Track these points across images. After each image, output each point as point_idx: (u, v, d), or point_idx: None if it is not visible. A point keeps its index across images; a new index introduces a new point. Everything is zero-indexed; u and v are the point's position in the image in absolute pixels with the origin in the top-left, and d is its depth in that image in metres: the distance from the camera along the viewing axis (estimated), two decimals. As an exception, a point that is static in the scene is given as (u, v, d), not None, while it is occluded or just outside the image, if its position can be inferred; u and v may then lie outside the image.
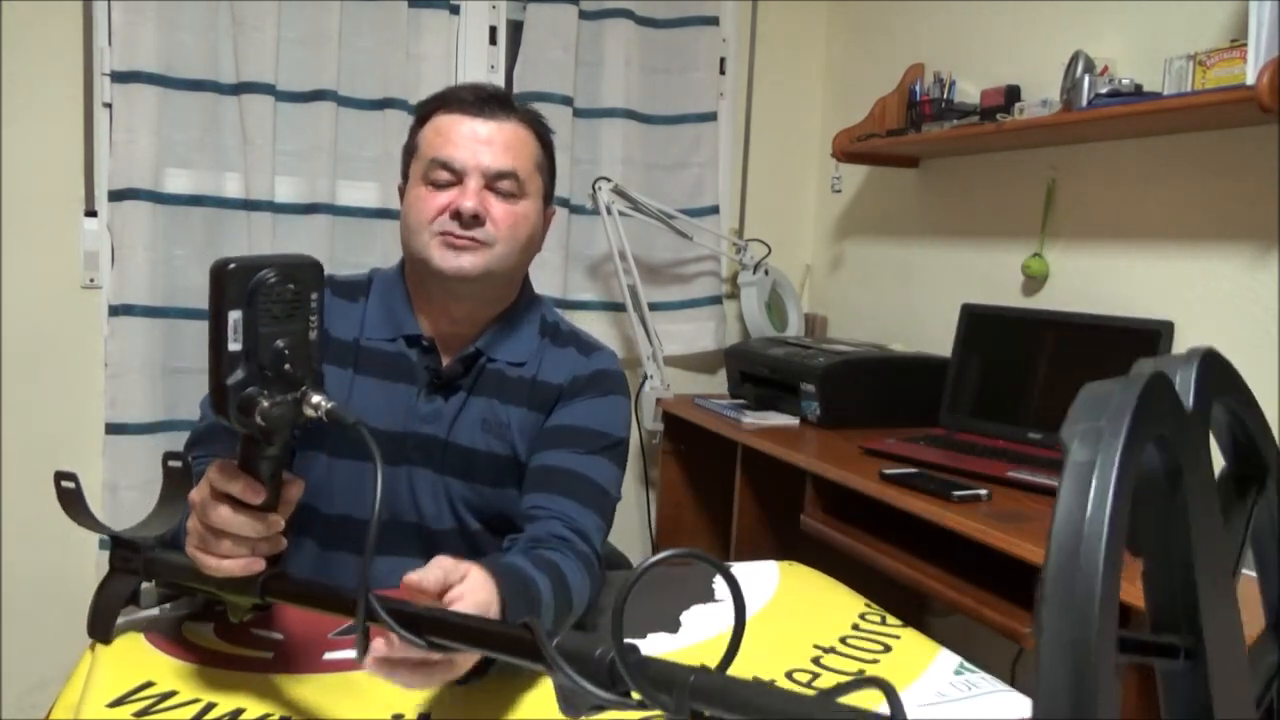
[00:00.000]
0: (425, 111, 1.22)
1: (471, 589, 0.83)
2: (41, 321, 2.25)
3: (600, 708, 0.57)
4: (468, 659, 0.79)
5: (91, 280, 2.28)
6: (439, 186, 1.16)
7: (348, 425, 0.76)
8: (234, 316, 0.73)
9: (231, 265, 0.73)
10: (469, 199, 1.14)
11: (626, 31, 2.63)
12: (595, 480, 1.17)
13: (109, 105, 2.23)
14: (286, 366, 0.75)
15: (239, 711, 0.85)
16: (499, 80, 2.63)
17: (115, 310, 2.24)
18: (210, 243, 2.31)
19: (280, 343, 0.75)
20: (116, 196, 2.23)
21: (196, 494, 0.82)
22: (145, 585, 0.99)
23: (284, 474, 0.83)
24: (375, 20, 2.40)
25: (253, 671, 0.93)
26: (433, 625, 0.72)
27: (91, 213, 2.27)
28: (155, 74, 2.21)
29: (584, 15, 2.60)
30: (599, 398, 1.22)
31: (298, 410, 0.76)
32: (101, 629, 0.97)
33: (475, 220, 1.14)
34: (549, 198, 1.26)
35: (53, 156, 2.23)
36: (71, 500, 0.94)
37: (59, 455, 2.26)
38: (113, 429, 2.26)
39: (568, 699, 0.59)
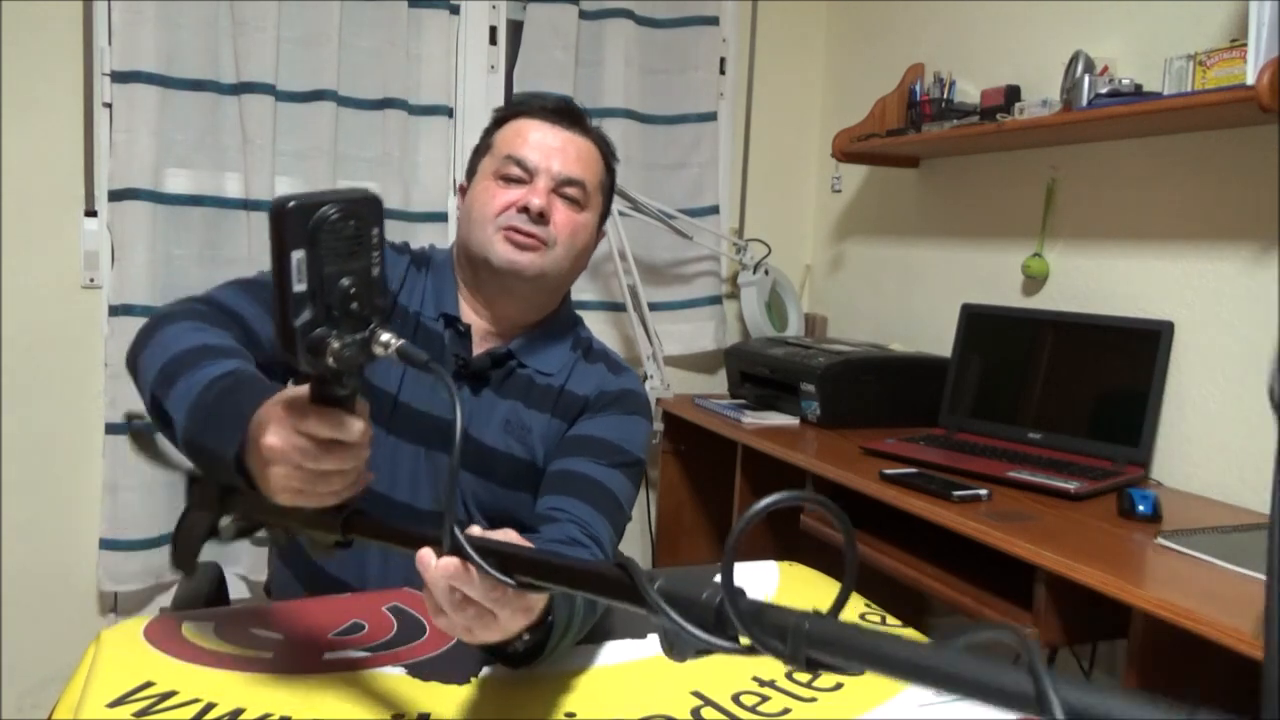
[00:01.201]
0: (504, 114, 1.26)
1: None
2: (41, 321, 2.25)
3: (706, 651, 0.56)
4: (514, 620, 0.75)
5: (91, 280, 2.28)
6: (508, 182, 1.20)
7: (419, 364, 0.74)
8: (297, 256, 0.70)
9: (291, 204, 0.70)
10: (538, 196, 1.18)
11: (626, 31, 2.63)
12: (612, 491, 1.18)
13: (109, 105, 2.23)
14: (354, 305, 0.73)
15: (239, 711, 0.84)
16: (499, 80, 2.63)
17: (115, 310, 2.24)
18: (210, 243, 2.31)
19: (345, 281, 0.73)
20: (116, 196, 2.23)
21: (280, 439, 0.76)
22: (224, 522, 0.94)
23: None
24: (375, 20, 2.41)
25: (253, 671, 0.93)
26: (523, 564, 0.68)
27: (91, 213, 2.27)
28: (155, 74, 2.21)
29: (584, 15, 2.60)
30: (624, 415, 1.25)
31: (367, 350, 0.74)
32: (186, 561, 0.95)
33: (541, 218, 1.18)
34: (604, 218, 1.29)
35: (53, 156, 2.24)
36: (145, 441, 0.91)
37: (59, 455, 2.27)
38: (113, 429, 2.25)
39: (672, 643, 0.57)
